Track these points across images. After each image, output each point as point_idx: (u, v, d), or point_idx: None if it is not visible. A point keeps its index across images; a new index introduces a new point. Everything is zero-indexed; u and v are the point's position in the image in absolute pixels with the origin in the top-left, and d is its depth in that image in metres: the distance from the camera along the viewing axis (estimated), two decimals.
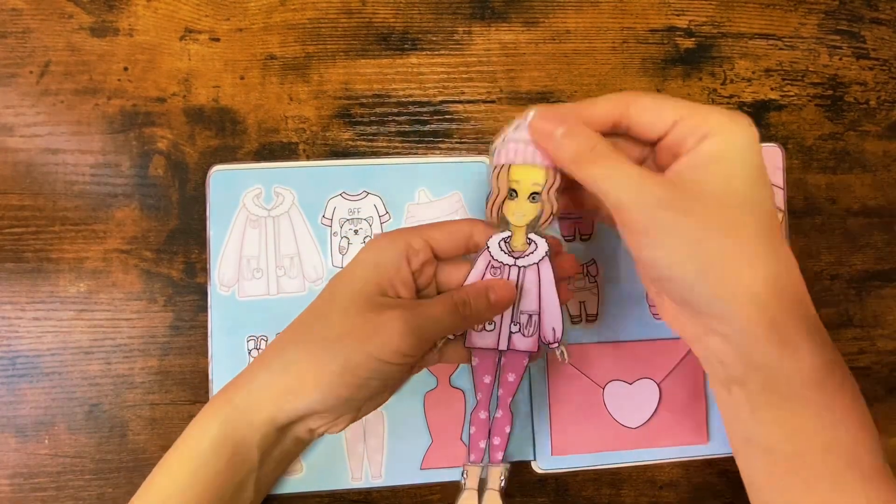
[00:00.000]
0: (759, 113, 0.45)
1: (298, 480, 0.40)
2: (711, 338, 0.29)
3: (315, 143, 0.42)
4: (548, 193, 0.33)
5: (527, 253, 0.35)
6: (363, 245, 0.35)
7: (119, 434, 0.40)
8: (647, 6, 0.45)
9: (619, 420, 0.42)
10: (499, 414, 0.37)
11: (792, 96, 0.46)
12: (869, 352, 0.45)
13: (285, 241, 0.41)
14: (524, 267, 0.35)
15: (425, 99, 0.43)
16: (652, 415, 0.42)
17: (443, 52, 0.44)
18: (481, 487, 0.38)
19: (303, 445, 0.37)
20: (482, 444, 0.38)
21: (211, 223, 0.41)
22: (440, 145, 0.43)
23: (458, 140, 0.43)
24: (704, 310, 0.28)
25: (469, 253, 0.36)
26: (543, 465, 0.41)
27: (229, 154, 0.42)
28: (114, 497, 0.40)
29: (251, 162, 0.42)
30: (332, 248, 0.41)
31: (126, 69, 0.42)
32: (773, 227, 0.28)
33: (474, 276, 0.35)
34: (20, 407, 0.40)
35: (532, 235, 0.34)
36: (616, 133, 0.31)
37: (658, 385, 0.42)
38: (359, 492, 0.41)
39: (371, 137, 0.43)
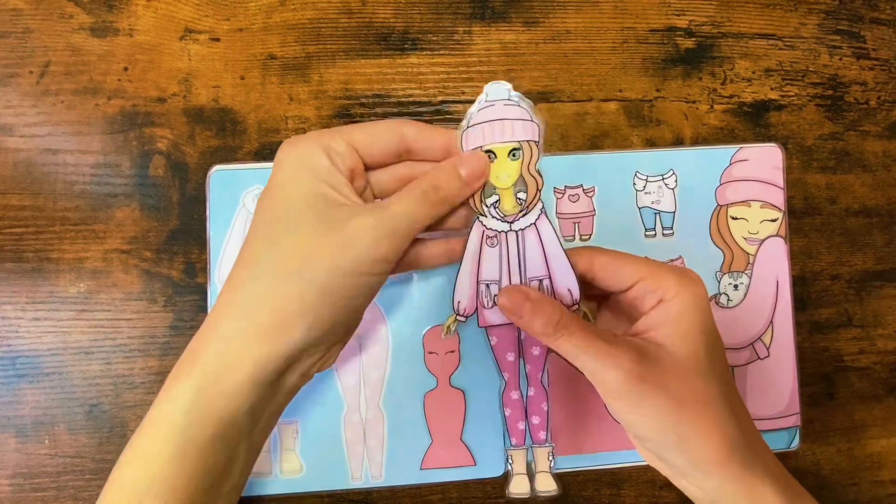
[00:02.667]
0: (759, 113, 0.45)
1: (298, 480, 0.40)
2: (686, 484, 0.31)
3: None
4: (528, 170, 0.32)
5: (520, 215, 0.32)
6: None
7: (119, 434, 0.40)
8: (647, 6, 0.45)
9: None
10: (531, 392, 0.35)
11: (792, 96, 0.46)
12: (869, 352, 0.45)
13: None
14: (521, 230, 0.33)
15: (425, 99, 0.43)
16: None
17: (443, 52, 0.44)
18: (530, 472, 0.36)
19: (296, 391, 0.33)
20: (521, 426, 0.36)
21: (211, 223, 0.41)
22: None
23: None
24: (680, 470, 0.31)
25: (402, 159, 0.33)
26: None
27: (229, 154, 0.42)
28: None
29: (251, 162, 0.42)
30: None
31: (126, 69, 0.42)
32: (729, 387, 0.31)
33: (470, 250, 0.33)
34: (20, 407, 0.40)
35: (521, 195, 0.32)
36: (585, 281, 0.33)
37: None
38: (359, 492, 0.41)
39: None
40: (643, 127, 0.44)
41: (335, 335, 0.31)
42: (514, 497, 0.36)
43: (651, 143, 0.44)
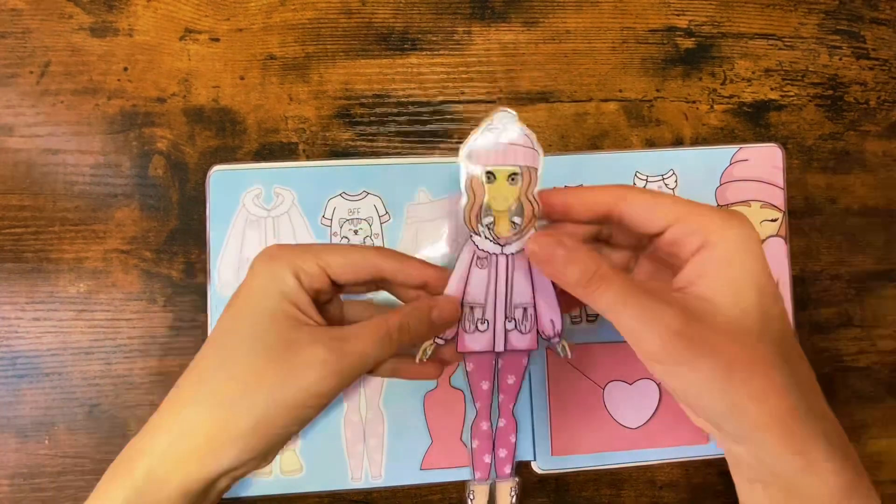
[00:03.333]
0: (758, 113, 0.45)
1: (298, 480, 0.40)
2: (738, 447, 0.28)
3: (315, 143, 0.42)
4: (526, 195, 0.32)
5: (514, 238, 0.32)
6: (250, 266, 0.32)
7: (119, 434, 0.40)
8: (647, 6, 0.45)
9: (619, 420, 0.42)
10: (502, 423, 0.35)
11: (792, 96, 0.46)
12: (869, 352, 0.45)
13: (285, 241, 0.41)
14: (513, 254, 0.33)
15: (425, 99, 0.43)
16: (652, 415, 0.42)
17: (443, 52, 0.44)
18: None
19: (227, 490, 0.33)
20: (487, 459, 0.35)
21: (211, 224, 0.41)
22: (440, 145, 0.43)
23: (459, 140, 0.43)
24: (731, 435, 0.28)
25: (375, 289, 0.34)
26: (543, 465, 0.41)
27: (229, 154, 0.42)
28: None
29: (251, 162, 0.42)
30: None
31: (126, 69, 0.42)
32: (787, 344, 0.27)
33: (459, 268, 0.33)
34: (20, 407, 0.40)
35: (517, 219, 0.32)
36: (608, 222, 0.31)
37: (658, 385, 0.42)
38: (359, 492, 0.41)
39: (371, 137, 0.43)
40: (643, 127, 0.44)
41: (266, 456, 0.31)
42: None
43: (651, 144, 0.44)
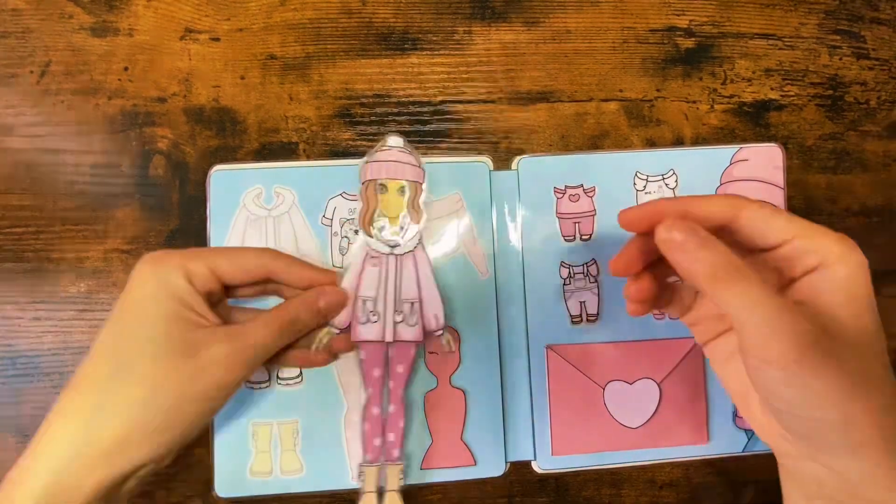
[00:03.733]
0: (759, 113, 0.45)
1: (298, 480, 0.40)
2: (815, 465, 0.28)
3: (315, 142, 0.42)
4: (412, 205, 0.39)
5: (402, 241, 0.38)
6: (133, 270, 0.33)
7: None
8: (647, 6, 0.45)
9: (619, 420, 0.42)
10: (392, 409, 0.38)
11: (792, 96, 0.46)
12: None
13: (286, 241, 0.41)
14: (401, 255, 0.38)
15: (425, 99, 0.43)
16: (652, 415, 0.42)
17: (443, 52, 0.44)
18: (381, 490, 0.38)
19: (135, 491, 0.33)
20: (377, 442, 0.38)
21: (211, 223, 0.41)
22: (440, 145, 0.43)
23: (458, 140, 0.43)
24: (827, 451, 0.28)
25: (263, 293, 0.37)
26: (544, 465, 0.41)
27: (229, 154, 0.42)
28: None
29: (251, 161, 0.42)
30: (332, 248, 0.41)
31: (126, 69, 0.42)
32: (888, 366, 0.28)
33: (354, 266, 0.38)
34: (20, 407, 0.40)
35: (405, 224, 0.38)
36: (720, 235, 0.30)
37: (658, 385, 0.42)
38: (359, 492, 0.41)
39: (371, 137, 0.43)
40: (643, 127, 0.44)
41: (176, 448, 0.32)
42: None
43: (651, 143, 0.44)
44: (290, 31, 0.43)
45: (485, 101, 0.44)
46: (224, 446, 0.40)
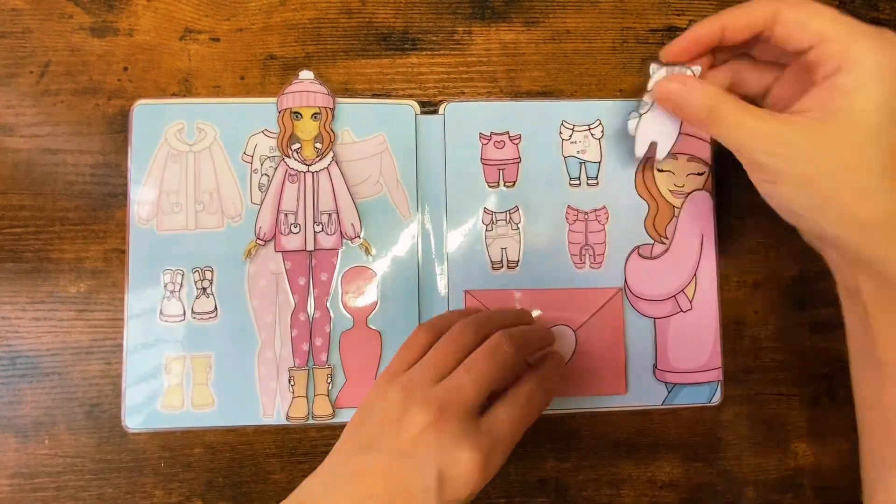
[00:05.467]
0: None
1: (209, 415, 0.40)
2: (829, 251, 0.33)
3: None
4: (324, 127, 0.41)
5: (317, 160, 0.41)
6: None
7: (119, 434, 0.40)
8: (647, 6, 0.45)
9: None
10: (318, 314, 0.40)
11: None
12: None
13: (206, 176, 0.41)
14: (317, 172, 0.41)
15: (425, 99, 0.43)
16: (567, 362, 0.42)
17: (443, 52, 0.44)
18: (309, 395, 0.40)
19: None
20: (305, 347, 0.40)
21: (132, 160, 0.41)
22: None
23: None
24: (819, 238, 0.32)
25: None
26: None
27: None
28: (114, 497, 0.40)
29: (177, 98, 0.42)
30: (251, 185, 0.41)
31: (126, 69, 0.42)
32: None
33: (274, 185, 0.41)
34: (20, 407, 0.40)
35: (318, 145, 0.41)
36: (755, 42, 0.33)
37: (574, 332, 0.42)
38: (269, 427, 0.40)
39: None
40: None
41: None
42: (294, 421, 0.40)
43: None
44: (289, 31, 0.43)
45: (485, 101, 0.44)
46: (136, 378, 0.40)
